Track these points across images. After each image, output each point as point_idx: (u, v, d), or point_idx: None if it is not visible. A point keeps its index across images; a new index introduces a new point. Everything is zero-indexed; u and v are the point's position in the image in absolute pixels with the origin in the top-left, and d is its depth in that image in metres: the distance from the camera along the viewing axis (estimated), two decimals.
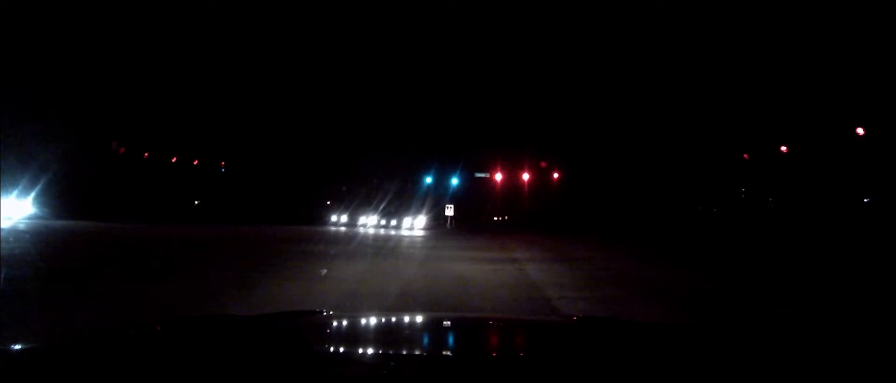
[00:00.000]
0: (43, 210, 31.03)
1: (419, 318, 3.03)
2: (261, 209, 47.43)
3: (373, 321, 2.74)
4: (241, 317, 2.43)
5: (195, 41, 43.77)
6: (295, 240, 22.31)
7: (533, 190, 52.66)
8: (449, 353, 2.01)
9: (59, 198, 32.36)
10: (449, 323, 2.69)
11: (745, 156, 44.95)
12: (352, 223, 49.52)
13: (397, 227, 45.38)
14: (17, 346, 1.80)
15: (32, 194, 30.58)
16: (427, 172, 49.93)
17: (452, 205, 48.23)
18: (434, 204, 49.16)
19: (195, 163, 45.22)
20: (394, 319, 2.85)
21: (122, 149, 36.97)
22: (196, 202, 56.58)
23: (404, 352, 1.94)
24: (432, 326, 2.64)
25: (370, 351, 2.00)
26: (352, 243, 23.34)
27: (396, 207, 51.77)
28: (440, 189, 49.93)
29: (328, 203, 55.17)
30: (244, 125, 48.59)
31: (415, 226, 44.19)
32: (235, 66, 47.54)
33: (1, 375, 1.37)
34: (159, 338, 1.99)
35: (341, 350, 2.03)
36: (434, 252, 18.24)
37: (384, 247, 20.13)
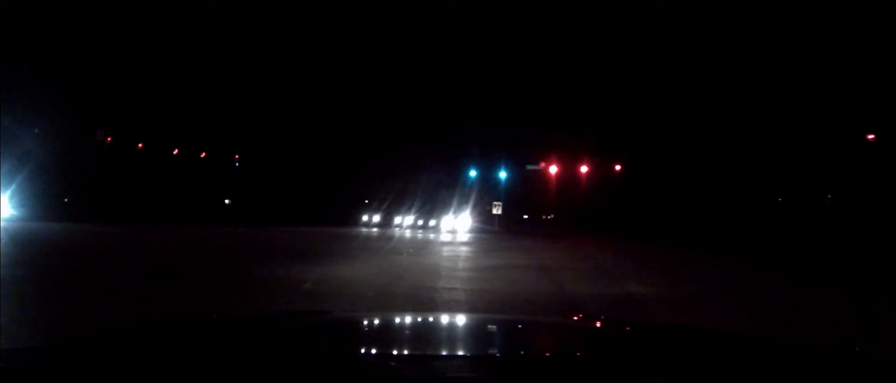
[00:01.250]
0: (22, 209, 27.03)
1: (425, 318, 3.06)
2: (285, 209, 42.42)
3: (379, 321, 2.74)
4: (244, 317, 2.88)
5: (204, 23, 38.97)
6: (290, 251, 16.82)
7: (592, 183, 46.31)
8: (453, 353, 1.99)
9: (43, 195, 27.90)
10: (455, 322, 2.73)
11: (871, 137, 37.86)
12: (386, 223, 44.15)
13: (436, 228, 39.83)
14: (17, 347, 1.89)
15: (8, 191, 26.27)
16: (470, 165, 43.94)
17: (500, 203, 42.16)
18: (478, 200, 43.29)
19: (202, 156, 39.84)
20: (398, 319, 2.87)
21: (109, 139, 31.84)
22: (227, 201, 52.16)
23: (408, 352, 1.93)
24: (438, 326, 2.62)
25: (375, 351, 1.97)
26: (373, 255, 17.15)
27: (436, 205, 46.19)
28: (486, 184, 43.97)
29: (366, 202, 49.87)
30: (261, 115, 43.46)
31: (457, 227, 38.26)
32: (251, 49, 42.44)
33: (1, 375, 1.38)
34: (163, 338, 1.96)
35: (346, 350, 1.91)
36: (486, 271, 12.53)
37: (414, 268, 13.01)
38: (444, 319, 3.13)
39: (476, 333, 2.41)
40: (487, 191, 44.00)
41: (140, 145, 34.16)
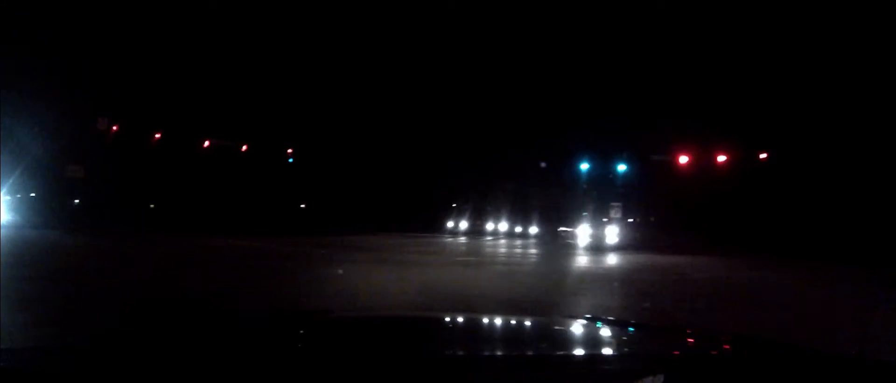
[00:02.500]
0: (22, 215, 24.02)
1: (425, 319, 3.06)
2: (355, 214, 35.63)
3: (383, 322, 2.68)
4: (249, 316, 2.86)
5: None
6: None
7: (735, 180, 36.55)
8: (454, 353, 1.96)
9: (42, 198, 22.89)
10: (456, 323, 2.75)
11: None
12: (476, 230, 36.49)
13: (542, 238, 31.66)
14: (17, 347, 2.00)
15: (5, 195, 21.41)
16: (576, 158, 35.27)
17: (619, 205, 33.04)
18: (589, 201, 34.70)
19: (244, 150, 31.62)
20: (398, 320, 2.83)
21: (115, 128, 24.99)
22: (303, 205, 46.06)
23: (408, 353, 1.84)
24: (439, 327, 2.55)
25: (380, 351, 1.90)
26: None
27: (535, 208, 37.97)
28: (597, 180, 35.30)
29: (454, 205, 42.29)
30: (320, 102, 35.75)
31: (570, 235, 29.49)
32: (307, 17, 35.07)
33: (1, 376, 1.38)
34: (163, 338, 1.94)
35: (352, 350, 1.92)
36: None
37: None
38: (446, 319, 2.91)
39: (477, 333, 2.41)
40: (600, 190, 35.42)
41: (156, 136, 27.10)
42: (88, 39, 28.45)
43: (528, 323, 2.98)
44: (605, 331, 2.45)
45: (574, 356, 1.95)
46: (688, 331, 2.33)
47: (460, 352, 1.96)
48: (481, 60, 40.10)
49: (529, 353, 1.99)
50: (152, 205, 40.36)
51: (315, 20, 36.04)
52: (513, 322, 3.04)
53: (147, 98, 30.67)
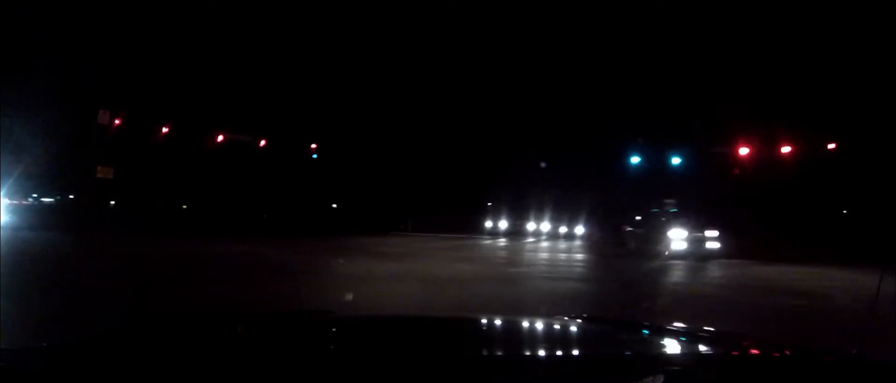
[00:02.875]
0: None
1: (424, 319, 3.04)
2: (383, 212, 32.93)
3: (383, 322, 2.72)
4: (248, 316, 2.93)
5: None
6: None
7: (799, 173, 32.55)
8: (454, 354, 1.88)
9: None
10: (455, 323, 2.71)
11: None
12: (516, 231, 33.38)
13: (591, 240, 28.36)
14: (17, 347, 1.89)
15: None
16: (628, 151, 31.63)
17: (673, 202, 29.01)
18: (641, 201, 31.16)
19: (262, 145, 29.39)
20: (397, 320, 2.87)
21: (118, 122, 22.56)
22: (334, 205, 43.65)
23: (407, 353, 1.84)
24: (439, 327, 2.53)
25: (380, 351, 1.91)
26: None
27: (580, 206, 34.57)
28: (648, 174, 31.64)
29: (488, 204, 39.06)
30: (346, 93, 32.69)
31: (633, 236, 25.64)
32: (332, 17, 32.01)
33: (1, 376, 1.38)
34: (163, 338, 1.95)
35: (351, 350, 1.94)
36: None
37: None
38: (445, 320, 2.97)
39: (477, 334, 2.40)
40: (654, 187, 31.85)
41: (164, 130, 24.56)
42: (96, 33, 26.47)
43: (528, 323, 2.97)
44: (606, 331, 2.47)
45: (574, 356, 1.95)
46: (688, 331, 2.22)
47: (460, 353, 1.88)
48: (520, 48, 36.60)
49: (529, 354, 1.98)
50: (164, 204, 38.58)
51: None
52: (513, 322, 3.03)
53: (153, 90, 28.35)
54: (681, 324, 2.45)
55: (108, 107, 21.12)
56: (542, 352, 2.01)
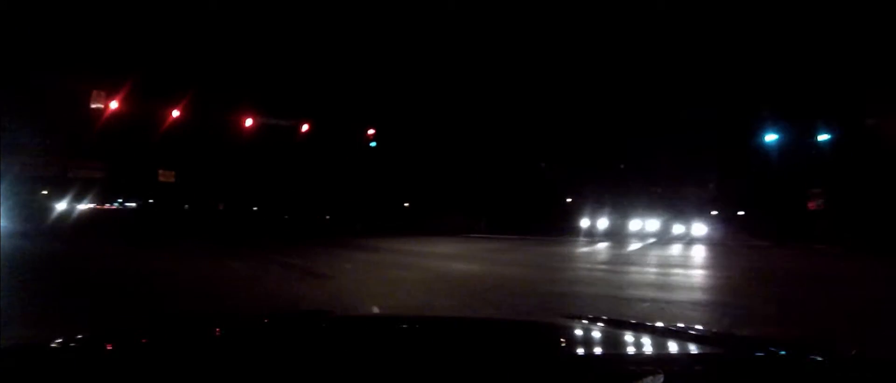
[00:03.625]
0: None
1: (424, 320, 3.07)
2: (462, 210, 28.12)
3: (384, 322, 2.73)
4: (248, 317, 2.80)
5: None
6: None
7: None
8: (452, 355, 1.87)
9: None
10: (454, 325, 2.71)
11: None
12: (616, 230, 27.55)
13: (716, 240, 22.22)
14: (17, 346, 1.96)
15: None
16: (760, 130, 24.88)
17: (819, 191, 22.56)
18: (782, 185, 24.59)
19: (304, 130, 22.36)
20: (396, 321, 2.82)
21: (109, 105, 18.92)
22: (406, 205, 39.40)
23: (406, 354, 1.86)
24: (437, 328, 2.52)
25: (379, 352, 1.90)
26: None
27: (692, 199, 28.33)
28: (788, 159, 24.92)
29: (568, 200, 33.27)
30: (407, 70, 27.58)
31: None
32: None
33: (1, 375, 1.37)
34: (162, 338, 1.96)
35: (351, 350, 1.92)
36: None
37: None
38: (444, 321, 3.02)
39: (475, 335, 2.36)
40: (793, 173, 25.15)
41: (175, 112, 20.42)
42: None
43: (528, 324, 3.00)
44: (606, 331, 2.44)
45: (574, 356, 1.94)
46: (688, 331, 2.30)
47: (460, 354, 1.89)
48: (612, 26, 30.37)
49: (530, 354, 1.97)
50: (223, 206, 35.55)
51: None
52: (513, 323, 3.09)
53: (157, 64, 24.79)
54: (681, 325, 2.53)
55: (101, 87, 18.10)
56: (541, 353, 1.93)
